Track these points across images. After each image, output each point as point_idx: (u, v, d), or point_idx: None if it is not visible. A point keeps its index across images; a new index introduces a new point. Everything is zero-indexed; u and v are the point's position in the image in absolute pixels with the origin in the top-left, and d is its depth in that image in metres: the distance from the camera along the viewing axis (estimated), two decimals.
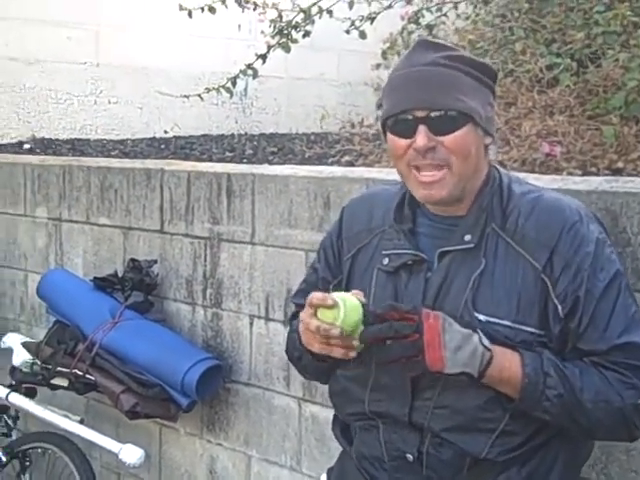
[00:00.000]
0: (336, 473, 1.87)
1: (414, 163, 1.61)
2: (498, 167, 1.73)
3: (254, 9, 4.67)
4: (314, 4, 4.61)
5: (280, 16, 4.62)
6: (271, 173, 2.84)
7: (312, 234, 2.71)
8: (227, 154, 3.74)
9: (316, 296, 1.54)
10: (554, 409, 1.54)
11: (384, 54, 4.94)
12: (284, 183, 2.78)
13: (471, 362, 1.51)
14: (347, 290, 1.75)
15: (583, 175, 2.53)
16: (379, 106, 4.89)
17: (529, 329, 1.59)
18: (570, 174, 2.54)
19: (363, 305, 1.54)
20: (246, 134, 5.42)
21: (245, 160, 3.48)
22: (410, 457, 1.65)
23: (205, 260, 3.06)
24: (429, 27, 4.80)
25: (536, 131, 2.68)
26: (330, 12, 4.63)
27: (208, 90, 4.62)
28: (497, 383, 1.55)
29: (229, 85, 4.68)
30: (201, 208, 3.06)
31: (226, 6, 4.53)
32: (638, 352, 1.57)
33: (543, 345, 1.59)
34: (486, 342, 1.53)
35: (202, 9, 4.49)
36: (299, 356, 1.78)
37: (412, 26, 4.82)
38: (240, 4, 4.62)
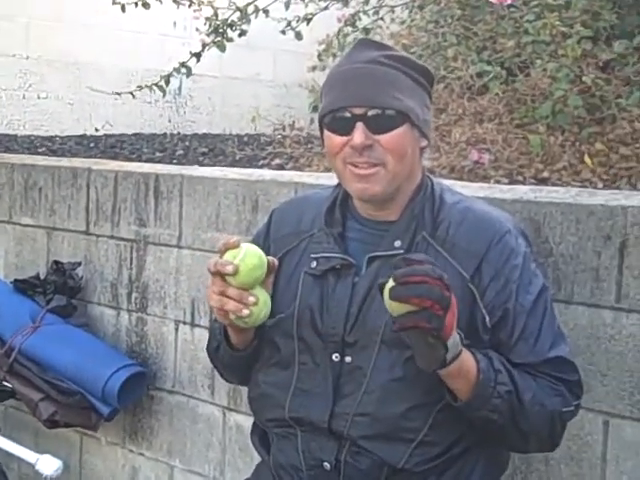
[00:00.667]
0: None
1: (350, 160, 1.59)
2: (430, 175, 1.72)
3: (189, 6, 4.60)
4: (250, 3, 4.55)
5: (216, 14, 4.56)
6: (200, 175, 2.79)
7: (240, 238, 2.66)
8: (157, 154, 3.67)
9: (225, 239, 1.58)
10: (503, 406, 1.53)
11: (320, 56, 4.92)
12: (213, 185, 2.73)
13: (456, 345, 1.48)
14: (273, 292, 1.72)
15: (510, 184, 2.54)
16: (314, 108, 4.89)
17: None
18: (497, 182, 2.55)
19: (268, 262, 1.59)
20: (179, 134, 5.33)
21: (175, 161, 3.42)
22: (327, 466, 1.63)
23: (131, 263, 2.99)
24: (365, 30, 4.79)
25: (465, 138, 2.69)
26: (266, 12, 4.58)
27: (141, 88, 4.52)
28: (456, 375, 1.52)
29: (162, 83, 4.60)
30: (128, 209, 2.98)
31: (160, 1, 4.44)
32: (565, 366, 1.61)
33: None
34: (461, 333, 1.50)
35: (135, 4, 4.38)
36: (217, 346, 1.76)
37: (348, 29, 4.81)
38: (175, 0, 4.55)
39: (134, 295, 2.99)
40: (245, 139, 4.59)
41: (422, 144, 1.65)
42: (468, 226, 1.62)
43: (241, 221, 2.67)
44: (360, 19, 4.85)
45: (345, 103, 1.58)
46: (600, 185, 2.52)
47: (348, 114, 1.57)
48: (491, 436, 1.61)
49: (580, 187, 2.48)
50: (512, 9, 2.88)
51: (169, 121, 5.80)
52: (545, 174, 2.60)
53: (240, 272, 1.55)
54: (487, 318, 1.58)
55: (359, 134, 1.56)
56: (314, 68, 4.93)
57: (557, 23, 2.56)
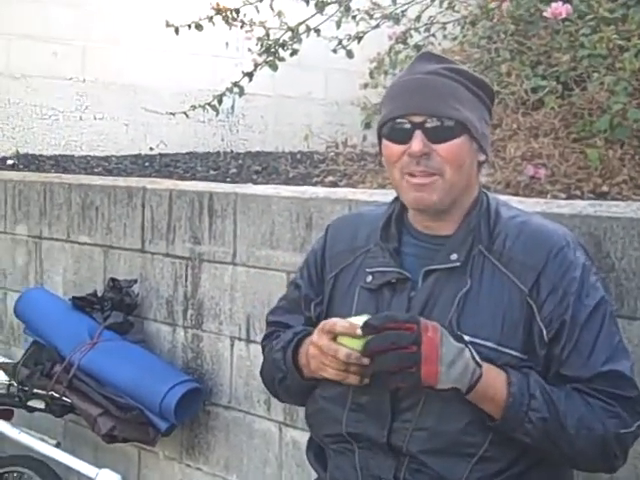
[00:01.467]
0: None
1: (407, 170, 1.59)
2: (486, 191, 1.72)
3: (241, 27, 4.65)
4: (301, 23, 4.60)
5: (267, 34, 4.61)
6: (253, 193, 2.81)
7: (294, 255, 2.68)
8: (211, 172, 3.70)
9: (340, 324, 1.53)
10: (536, 432, 1.51)
11: (371, 74, 4.94)
12: (266, 203, 2.75)
13: (462, 378, 1.48)
14: (328, 310, 1.73)
15: (567, 198, 2.51)
16: (366, 125, 4.90)
17: (512, 352, 1.56)
18: (554, 197, 2.52)
19: None
20: (232, 152, 5.39)
21: (228, 179, 3.45)
22: None
23: (186, 280, 3.02)
24: (417, 47, 4.80)
25: (521, 153, 2.66)
26: (317, 31, 4.62)
27: (194, 107, 4.60)
28: (481, 400, 1.52)
29: (215, 103, 4.67)
30: (182, 227, 3.02)
31: (213, 23, 4.52)
32: (621, 381, 1.55)
33: (527, 369, 1.56)
34: (477, 358, 1.50)
35: (189, 26, 4.47)
36: (283, 377, 1.75)
37: (400, 46, 4.82)
38: (227, 22, 4.61)
39: (189, 312, 3.02)
40: (298, 157, 4.62)
41: (480, 158, 1.65)
42: (525, 239, 1.60)
43: (295, 238, 2.68)
44: (411, 36, 4.86)
45: (404, 112, 1.59)
46: None
47: (407, 123, 1.58)
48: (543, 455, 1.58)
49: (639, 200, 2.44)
50: (567, 23, 2.86)
51: (222, 140, 5.87)
52: (604, 188, 2.57)
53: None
54: (545, 332, 1.56)
55: (417, 142, 1.56)
56: (366, 86, 4.94)
57: (614, 36, 2.53)
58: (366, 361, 1.49)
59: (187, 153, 5.19)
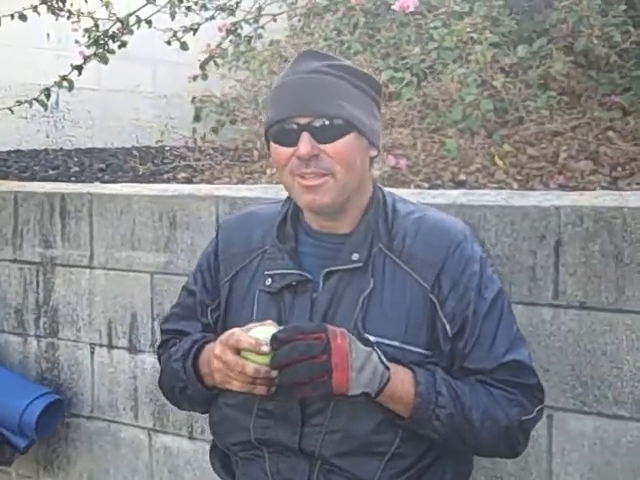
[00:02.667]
0: None
1: (297, 172, 1.55)
2: (381, 186, 1.70)
3: (68, 17, 4.44)
4: (131, 14, 4.44)
5: (96, 25, 4.42)
6: (111, 192, 2.68)
7: (157, 255, 2.58)
8: (50, 172, 3.50)
9: (245, 340, 1.46)
10: (443, 428, 1.53)
11: (202, 65, 4.86)
12: (125, 202, 2.63)
13: (371, 382, 1.47)
14: (226, 315, 1.67)
15: (431, 188, 2.57)
16: (195, 118, 4.81)
17: (417, 350, 1.57)
18: (418, 187, 2.57)
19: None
20: (61, 149, 5.13)
21: (73, 178, 3.28)
22: None
23: (37, 287, 2.84)
24: (247, 39, 4.77)
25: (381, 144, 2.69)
26: (149, 22, 4.48)
27: (21, 103, 4.34)
28: (390, 401, 1.52)
29: (43, 97, 4.44)
30: (31, 231, 2.83)
31: (38, 13, 4.28)
32: (522, 369, 1.59)
33: (433, 365, 1.57)
34: (385, 360, 1.49)
35: (12, 16, 4.21)
36: (184, 386, 1.68)
37: (231, 38, 4.78)
38: (53, 12, 4.38)
39: (42, 320, 2.84)
40: (134, 153, 4.47)
41: (372, 153, 1.63)
42: (424, 236, 1.60)
43: (158, 238, 2.58)
44: (242, 28, 4.82)
45: (290, 113, 1.54)
46: (515, 186, 2.58)
47: (294, 125, 1.54)
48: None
49: (497, 188, 2.54)
50: (417, 16, 2.92)
51: (47, 136, 5.56)
52: (462, 177, 2.64)
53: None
54: (448, 327, 1.57)
55: (305, 144, 1.52)
56: (195, 78, 4.87)
57: (468, 29, 2.61)
58: (274, 374, 1.45)
59: (13, 151, 4.88)
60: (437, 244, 1.59)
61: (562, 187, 2.54)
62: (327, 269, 1.60)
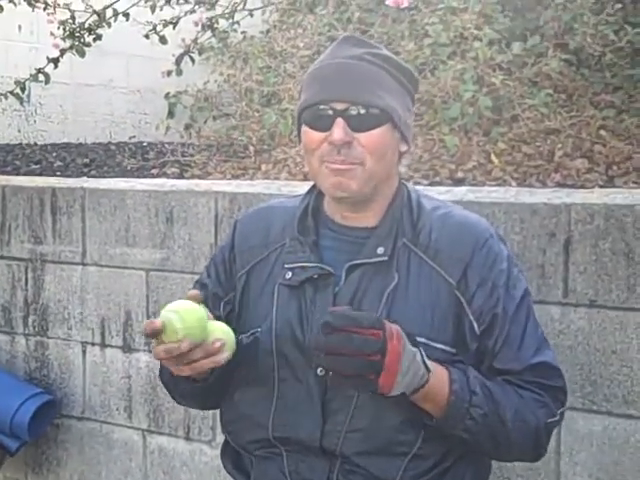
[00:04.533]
0: None
1: (327, 158, 1.51)
2: (405, 182, 1.66)
3: (44, 9, 4.36)
4: (108, 6, 4.38)
5: (73, 17, 4.35)
6: (105, 187, 2.62)
7: (154, 252, 2.54)
8: (32, 166, 3.42)
9: (145, 325, 1.41)
10: (476, 428, 1.49)
11: (178, 60, 4.81)
12: (120, 198, 2.58)
13: (412, 383, 1.43)
14: (242, 308, 1.63)
15: (430, 185, 2.55)
16: (168, 114, 4.75)
17: (443, 347, 1.53)
18: (417, 184, 2.56)
19: (202, 302, 1.45)
20: (35, 144, 5.04)
21: (58, 173, 3.21)
22: None
23: (26, 284, 2.77)
24: (223, 33, 4.73)
25: None
26: (127, 15, 4.42)
27: None
28: (423, 400, 1.48)
29: (18, 91, 4.37)
30: (19, 227, 2.76)
31: (15, 4, 4.20)
32: (549, 371, 1.57)
33: (458, 363, 1.53)
34: (428, 362, 1.45)
35: None
36: (175, 382, 1.62)
37: (213, 32, 4.74)
38: (30, 3, 4.30)
39: (31, 318, 2.78)
40: (112, 148, 4.41)
41: (402, 148, 1.58)
42: (450, 232, 1.57)
43: (154, 234, 2.54)
44: (218, 22, 4.78)
45: (326, 97, 1.50)
46: (513, 183, 2.57)
47: (329, 109, 1.50)
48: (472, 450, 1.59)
49: (495, 185, 2.53)
50: (412, 12, 2.90)
51: (19, 131, 5.45)
52: (460, 174, 2.63)
53: (193, 337, 1.40)
54: (475, 325, 1.54)
55: (339, 130, 1.48)
56: (169, 73, 4.82)
57: (468, 26, 2.60)
58: (185, 346, 1.38)
59: None
60: (464, 240, 1.56)
61: (560, 185, 2.55)
62: (350, 262, 1.55)
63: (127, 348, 2.61)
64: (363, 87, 1.50)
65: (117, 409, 2.64)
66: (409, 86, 1.59)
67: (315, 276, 1.57)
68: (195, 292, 1.47)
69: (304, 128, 1.55)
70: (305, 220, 1.63)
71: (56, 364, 2.74)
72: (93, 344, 2.67)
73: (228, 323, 1.54)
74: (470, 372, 1.51)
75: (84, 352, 2.69)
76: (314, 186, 1.65)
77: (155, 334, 1.40)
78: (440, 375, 1.48)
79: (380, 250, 1.56)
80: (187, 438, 2.52)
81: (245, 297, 1.64)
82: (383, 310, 1.53)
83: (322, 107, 1.51)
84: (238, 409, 1.63)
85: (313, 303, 1.56)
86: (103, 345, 2.65)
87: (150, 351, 2.56)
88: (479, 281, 1.54)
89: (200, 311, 1.43)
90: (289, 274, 1.59)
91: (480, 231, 1.58)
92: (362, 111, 1.50)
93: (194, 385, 1.58)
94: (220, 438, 2.48)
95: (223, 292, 1.68)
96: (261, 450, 1.61)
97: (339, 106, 1.50)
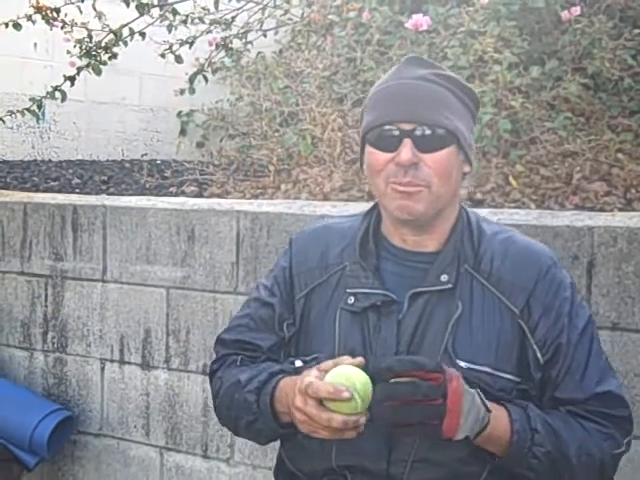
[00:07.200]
0: None
1: (394, 179, 1.48)
2: (464, 205, 1.62)
3: (62, 27, 4.41)
4: (124, 25, 4.42)
5: (90, 36, 4.39)
6: (126, 205, 2.64)
7: (174, 270, 2.55)
8: (51, 183, 3.44)
9: (324, 390, 1.35)
10: (540, 466, 1.46)
11: (191, 79, 4.85)
12: (141, 215, 2.60)
13: (475, 426, 1.40)
14: (301, 332, 1.59)
15: None
16: (181, 132, 4.78)
17: (508, 376, 1.50)
18: None
19: (364, 368, 1.38)
20: (49, 161, 5.06)
21: (77, 190, 3.23)
22: None
23: (46, 300, 2.79)
24: (237, 53, 4.77)
25: None
26: (143, 34, 4.46)
27: (12, 113, 4.30)
28: (486, 442, 1.45)
29: (34, 108, 4.41)
30: (40, 243, 2.78)
31: (33, 22, 4.25)
32: (614, 401, 1.53)
33: (523, 392, 1.51)
34: (487, 402, 1.43)
35: (6, 25, 4.17)
36: (254, 419, 1.56)
37: (229, 52, 4.78)
38: (48, 22, 4.34)
39: (50, 334, 2.79)
40: (127, 165, 4.43)
41: (465, 169, 1.56)
42: (513, 259, 1.53)
43: (175, 252, 2.55)
44: (232, 42, 4.82)
45: (393, 118, 1.47)
46: (532, 206, 2.59)
47: (396, 130, 1.47)
48: None
49: (515, 208, 2.55)
50: (432, 35, 2.93)
51: (33, 147, 5.48)
52: (478, 196, 2.65)
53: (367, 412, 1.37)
54: (539, 354, 1.51)
55: (407, 151, 1.46)
56: (182, 92, 4.86)
57: (488, 49, 2.62)
58: (362, 421, 1.35)
59: (1, 162, 4.80)
60: (527, 267, 1.52)
61: (579, 208, 2.56)
62: (414, 290, 1.52)
63: (146, 365, 2.62)
64: (429, 108, 1.48)
65: (135, 426, 2.64)
66: (472, 106, 1.56)
67: (378, 303, 1.54)
68: (360, 359, 1.41)
69: (369, 149, 1.52)
70: (367, 243, 1.60)
71: (74, 380, 2.75)
72: (112, 361, 2.68)
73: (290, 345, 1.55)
74: (530, 410, 1.48)
75: (102, 369, 2.70)
76: (374, 207, 1.62)
77: (330, 399, 1.35)
78: (500, 415, 1.45)
79: (444, 278, 1.52)
80: (205, 456, 2.53)
81: (305, 320, 1.61)
82: (448, 340, 1.50)
83: (388, 127, 1.48)
84: (297, 440, 1.57)
85: (377, 331, 1.53)
86: (122, 362, 2.66)
87: (169, 369, 2.57)
88: (542, 310, 1.51)
89: (369, 383, 1.37)
90: (351, 299, 1.56)
91: (543, 258, 1.55)
92: (428, 132, 1.48)
93: (283, 430, 1.54)
94: (238, 456, 2.49)
95: (288, 313, 1.64)
96: (325, 477, 1.57)
97: (406, 126, 1.47)
